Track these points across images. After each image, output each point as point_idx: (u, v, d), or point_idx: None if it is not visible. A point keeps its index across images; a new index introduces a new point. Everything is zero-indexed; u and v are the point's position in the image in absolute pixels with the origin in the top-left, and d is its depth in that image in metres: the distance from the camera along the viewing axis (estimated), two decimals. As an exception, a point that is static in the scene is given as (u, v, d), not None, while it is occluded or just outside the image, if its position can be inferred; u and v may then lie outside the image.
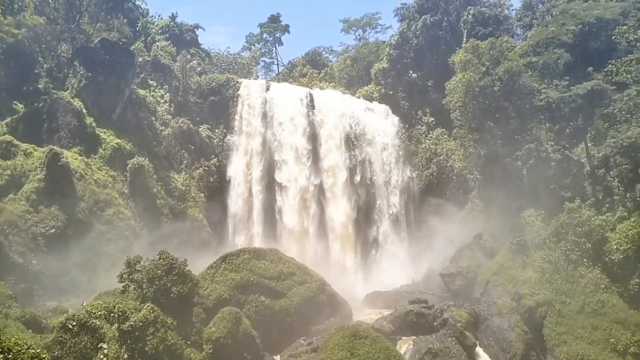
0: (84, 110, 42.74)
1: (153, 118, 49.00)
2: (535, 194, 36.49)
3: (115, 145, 42.73)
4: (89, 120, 42.58)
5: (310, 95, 53.04)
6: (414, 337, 29.33)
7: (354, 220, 48.68)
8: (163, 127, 48.95)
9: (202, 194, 47.61)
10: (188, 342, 25.87)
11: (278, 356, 27.73)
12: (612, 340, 26.36)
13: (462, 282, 36.24)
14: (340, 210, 48.41)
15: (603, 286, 29.09)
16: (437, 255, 41.61)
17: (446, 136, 51.04)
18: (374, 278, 45.67)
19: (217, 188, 49.46)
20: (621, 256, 29.30)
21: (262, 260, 32.33)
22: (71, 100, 42.64)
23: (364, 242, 49.03)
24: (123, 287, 26.48)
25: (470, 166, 44.18)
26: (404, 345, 28.67)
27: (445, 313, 30.93)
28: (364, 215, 49.72)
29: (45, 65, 45.65)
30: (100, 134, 42.90)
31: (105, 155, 41.92)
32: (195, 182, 47.67)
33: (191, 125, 49.83)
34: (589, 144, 37.10)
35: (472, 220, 41.84)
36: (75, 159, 39.25)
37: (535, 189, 36.62)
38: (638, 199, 31.29)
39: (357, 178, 50.09)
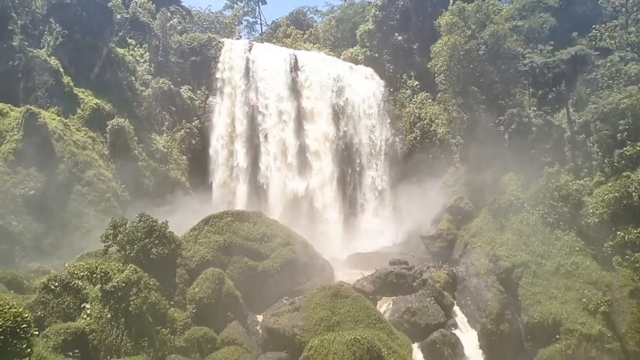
0: (61, 69, 41.55)
1: (133, 78, 47.88)
2: (516, 158, 36.91)
3: (94, 105, 41.81)
4: (66, 79, 41.45)
5: (295, 56, 52.20)
6: (394, 297, 30.09)
7: (337, 183, 48.91)
8: (143, 88, 47.94)
9: (184, 156, 47.26)
10: (171, 303, 26.16)
11: (261, 315, 28.24)
12: (584, 300, 27.32)
13: (442, 244, 36.97)
14: (324, 172, 48.59)
15: (578, 249, 29.96)
16: (419, 218, 42.20)
17: (430, 100, 50.91)
18: (356, 240, 46.30)
19: (199, 150, 49.10)
20: (597, 220, 30.08)
21: (245, 222, 32.48)
22: (47, 58, 41.36)
23: (347, 205, 49.47)
24: (105, 247, 26.49)
25: (454, 131, 44.30)
26: (384, 305, 29.43)
27: (424, 274, 31.70)
28: (348, 178, 49.99)
29: (19, 22, 43.89)
30: (79, 94, 41.89)
31: (84, 116, 41.08)
32: (177, 144, 47.20)
33: (172, 86, 48.89)
34: (571, 110, 37.41)
35: (453, 184, 42.32)
36: (53, 119, 38.38)
37: (516, 154, 37.01)
38: (616, 164, 31.90)
39: (341, 141, 50.08)
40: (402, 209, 46.51)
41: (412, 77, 53.27)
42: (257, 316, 28.62)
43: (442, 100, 46.61)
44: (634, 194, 29.54)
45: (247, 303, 28.72)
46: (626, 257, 28.30)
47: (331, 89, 50.77)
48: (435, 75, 44.58)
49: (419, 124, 50.03)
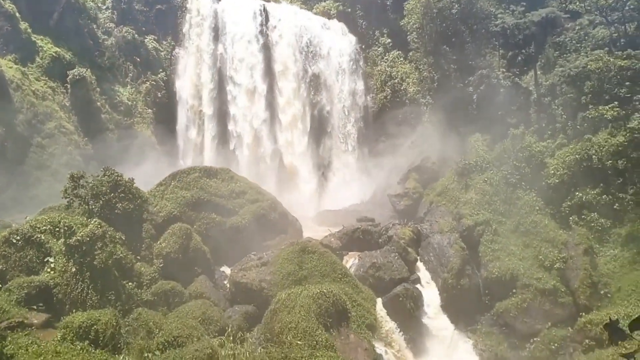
0: (17, 14, 39.20)
1: (94, 26, 45.68)
2: (483, 119, 37.48)
3: (54, 54, 39.90)
4: (23, 25, 39.23)
5: (265, 9, 50.62)
6: (360, 252, 30.75)
7: (307, 140, 48.75)
8: (106, 37, 45.88)
9: (149, 110, 45.99)
10: (138, 257, 26.05)
11: (229, 270, 28.50)
12: (540, 257, 28.57)
13: (408, 202, 37.70)
14: (294, 129, 48.28)
15: (537, 208, 31.06)
16: (387, 176, 42.78)
17: (402, 59, 50.59)
18: (325, 197, 46.77)
19: (165, 104, 47.81)
20: (557, 180, 31.13)
21: (213, 178, 32.22)
22: (2, 2, 38.86)
23: (316, 163, 49.55)
24: (67, 202, 25.91)
25: (424, 90, 44.46)
26: (350, 260, 30.08)
27: (390, 231, 32.39)
28: (318, 136, 49.85)
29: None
30: (37, 41, 39.83)
31: (43, 65, 39.23)
32: (142, 97, 45.80)
33: (136, 35, 46.93)
34: (538, 72, 37.92)
35: (421, 144, 42.81)
36: (10, 67, 36.53)
37: (484, 115, 37.56)
38: (578, 127, 32.79)
39: (312, 98, 49.57)
40: (371, 168, 47.00)
41: (385, 35, 52.64)
42: (225, 271, 28.88)
43: (413, 59, 46.44)
44: (593, 156, 30.60)
45: (215, 258, 28.89)
46: (582, 216, 29.58)
47: (303, 44, 49.75)
48: (408, 33, 44.22)
49: (390, 83, 49.88)
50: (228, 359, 18.45)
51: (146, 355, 19.65)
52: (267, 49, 48.76)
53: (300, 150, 48.32)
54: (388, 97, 49.79)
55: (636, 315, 3.10)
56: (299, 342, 19.26)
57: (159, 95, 47.23)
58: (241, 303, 26.10)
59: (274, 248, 29.86)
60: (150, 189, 30.14)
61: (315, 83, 49.86)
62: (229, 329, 21.63)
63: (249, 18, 49.15)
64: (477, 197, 32.56)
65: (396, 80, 49.49)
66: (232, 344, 19.65)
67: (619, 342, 3.06)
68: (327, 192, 47.97)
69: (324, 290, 22.68)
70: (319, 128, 49.86)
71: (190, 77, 48.35)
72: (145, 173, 33.87)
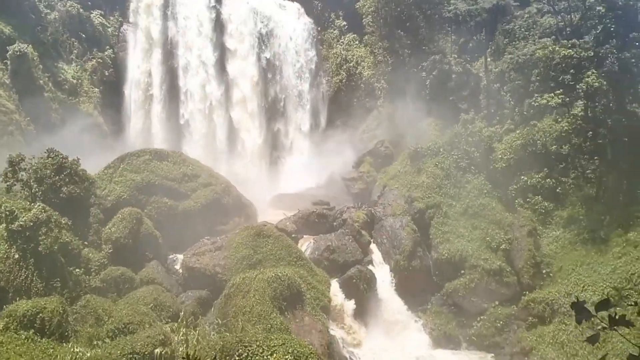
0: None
1: (36, -1, 43.07)
2: (435, 104, 38.21)
3: (-9, 28, 37.38)
4: (-45, -4, 36.46)
5: (218, -15, 49.13)
6: (315, 236, 30.95)
7: (261, 122, 48.15)
8: (48, 11, 43.33)
9: (96, 89, 43.99)
10: (85, 243, 25.20)
11: (181, 255, 28.03)
12: (487, 238, 29.65)
13: (362, 185, 38.16)
14: (248, 112, 47.51)
15: (485, 191, 32.15)
16: (342, 160, 43.01)
17: (357, 42, 50.59)
18: (280, 181, 46.52)
19: (113, 83, 45.86)
20: (504, 165, 32.28)
21: (164, 161, 31.44)
22: None
23: (271, 145, 49.12)
24: (7, 186, 24.58)
25: (378, 74, 44.75)
26: (305, 243, 30.24)
27: (344, 214, 32.75)
28: (272, 118, 49.31)
29: None
30: (-29, 14, 37.14)
31: (-21, 39, 36.69)
32: (88, 75, 43.72)
33: (81, 10, 44.57)
34: (489, 59, 38.91)
35: (375, 128, 43.26)
36: (-59, 40, 33.96)
37: (436, 100, 38.29)
38: (525, 113, 33.99)
39: (266, 80, 48.86)
40: (326, 151, 47.04)
41: (340, 17, 52.41)
42: (178, 256, 28.39)
43: (368, 42, 46.57)
44: (538, 142, 31.89)
45: (167, 243, 28.32)
46: (527, 199, 30.89)
47: (257, 24, 48.77)
48: (363, 16, 44.21)
49: (345, 66, 49.84)
50: (181, 345, 18.25)
51: (95, 342, 19.18)
52: (219, 28, 47.46)
53: (254, 132, 47.69)
54: (343, 80, 49.79)
55: (603, 298, 3.21)
56: (253, 325, 19.27)
57: (106, 74, 45.26)
58: (194, 288, 25.80)
59: (228, 232, 29.60)
60: (97, 172, 29.08)
61: (269, 64, 49.12)
62: (182, 315, 21.40)
63: (202, -5, 47.63)
64: (428, 181, 33.31)
65: (351, 64, 49.52)
66: (186, 329, 19.45)
67: (583, 321, 3.17)
68: (281, 175, 47.72)
69: (279, 274, 22.76)
70: (273, 110, 49.28)
71: (139, 55, 46.51)
72: (92, 155, 32.54)
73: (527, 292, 26.88)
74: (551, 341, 23.48)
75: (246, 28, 48.01)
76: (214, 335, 19.48)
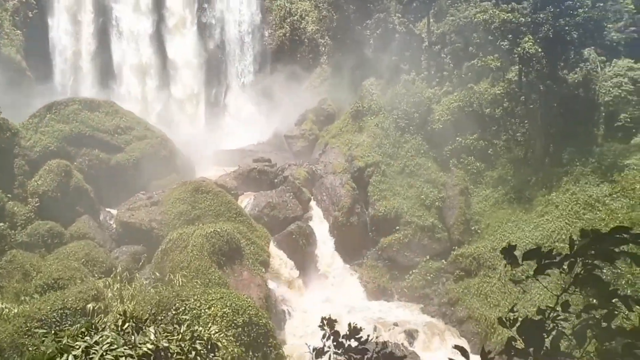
0: None
1: None
2: (378, 63, 38.27)
3: None
4: None
5: None
6: (255, 192, 30.83)
7: (200, 75, 46.46)
8: (-42, -61, 38.86)
9: (19, 31, 40.45)
10: (9, 195, 23.74)
11: (115, 210, 27.11)
12: (422, 196, 30.75)
13: (304, 143, 38.13)
14: (186, 67, 45.57)
15: (422, 151, 33.08)
16: (283, 117, 42.57)
17: (302, -5, 49.30)
18: (220, 137, 45.51)
19: (38, 26, 42.26)
20: (441, 126, 33.20)
21: (95, 112, 29.81)
22: None
23: (211, 102, 47.68)
24: None
25: (322, 30, 44.06)
26: (245, 200, 30.09)
27: (285, 171, 32.73)
28: (213, 73, 47.67)
29: None
30: None
31: None
32: (10, 16, 40.00)
33: (-1, -59, 40.31)
34: (431, 20, 39.18)
35: (318, 85, 42.96)
36: None
37: (379, 59, 38.34)
38: (463, 75, 34.83)
39: (207, 33, 46.84)
40: (268, 107, 46.33)
41: (285, -32, 50.63)
42: (111, 211, 27.44)
43: (313, -4, 45.51)
44: (474, 104, 32.95)
45: (100, 198, 27.25)
46: (461, 160, 32.12)
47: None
48: (309, -32, 42.90)
49: (289, 20, 48.58)
50: (115, 300, 17.88)
51: (23, 298, 18.41)
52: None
53: (193, 87, 46.01)
54: (287, 34, 48.61)
55: (532, 247, 3.27)
56: (191, 280, 19.16)
57: (30, 15, 41.62)
58: (129, 244, 25.17)
59: (165, 187, 28.85)
60: (22, 122, 27.13)
61: (209, 16, 47.02)
62: (116, 270, 20.87)
63: None
64: (368, 140, 33.76)
65: (295, 18, 48.33)
66: (120, 285, 19.03)
67: (512, 267, 3.27)
68: (221, 131, 46.67)
69: (218, 229, 22.59)
70: (213, 64, 47.62)
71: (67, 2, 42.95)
72: (16, 103, 30.24)
73: (457, 248, 28.38)
74: (476, 292, 25.09)
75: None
76: (150, 290, 19.19)
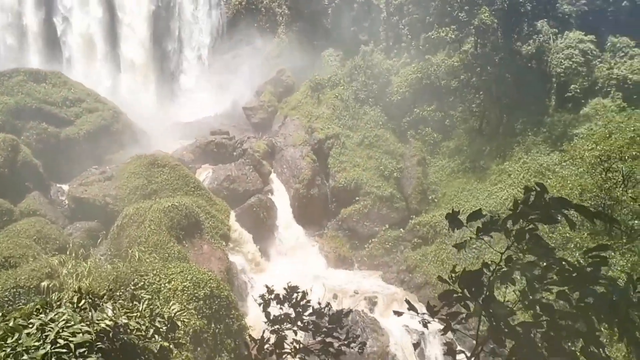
0: None
1: None
2: (337, 34, 37.97)
3: None
4: None
5: None
6: (214, 165, 30.37)
7: (152, 43, 44.65)
8: None
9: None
10: (-51, 172, 22.47)
11: (67, 185, 26.14)
12: (381, 167, 31.14)
13: (263, 115, 37.65)
14: (136, 29, 43.64)
15: (381, 123, 33.34)
16: (241, 89, 41.74)
17: (258, -37, 47.80)
18: (176, 109, 44.26)
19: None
20: (399, 98, 33.48)
21: (42, 83, 28.39)
22: None
23: (165, 73, 46.10)
24: None
25: (280, -1, 43.11)
26: (204, 173, 29.62)
27: (244, 144, 32.32)
28: (167, 43, 45.97)
29: None
30: None
31: None
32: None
33: None
34: (389, -10, 38.99)
35: (277, 56, 42.22)
36: None
37: (338, 30, 38.02)
38: (421, 47, 35.05)
39: (161, 2, 44.87)
40: (225, 79, 45.20)
41: None
42: (63, 186, 26.44)
43: (270, -37, 44.23)
44: (432, 75, 33.30)
45: (50, 173, 26.16)
46: (418, 131, 32.61)
47: None
48: None
49: (244, -12, 47.17)
50: (70, 277, 17.39)
51: (-30, 279, 17.61)
52: None
53: (144, 54, 44.22)
54: (243, 3, 47.23)
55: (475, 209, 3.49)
56: (149, 255, 18.84)
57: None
58: (83, 220, 24.40)
59: (119, 162, 27.95)
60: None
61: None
62: (70, 247, 20.26)
63: None
64: (328, 112, 33.70)
65: (251, -14, 46.97)
66: (75, 261, 18.49)
67: (455, 230, 3.46)
68: (177, 103, 45.37)
69: (176, 203, 22.20)
70: (166, 33, 45.87)
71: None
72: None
73: (414, 216, 29.05)
74: (433, 259, 25.87)
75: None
76: (107, 266, 18.76)
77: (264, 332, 5.22)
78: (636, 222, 17.66)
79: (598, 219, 3.09)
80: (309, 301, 5.20)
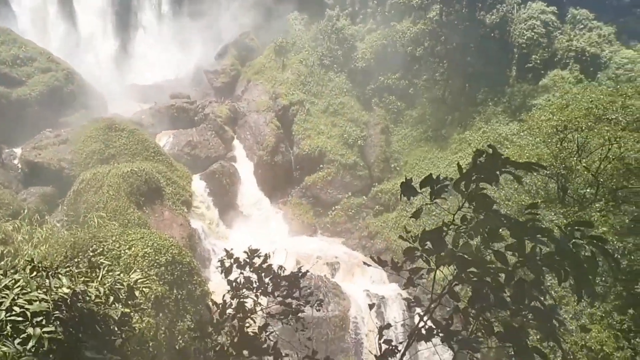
0: None
1: None
2: (302, -3, 37.12)
3: None
4: None
5: None
6: (174, 130, 29.65)
7: (110, 4, 42.52)
8: None
9: None
10: None
11: (19, 148, 25.01)
12: (345, 135, 31.16)
13: (226, 79, 36.77)
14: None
15: (346, 90, 33.18)
16: (203, 51, 40.54)
17: None
18: (134, 71, 42.62)
19: None
20: (364, 65, 33.29)
21: (-12, 39, 26.61)
22: None
23: (122, 30, 44.08)
24: None
25: (243, -42, 41.55)
26: (164, 138, 28.91)
27: (206, 109, 31.61)
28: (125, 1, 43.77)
29: None
30: None
31: None
32: None
33: None
34: (356, -46, 38.18)
35: (240, 17, 40.95)
36: None
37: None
38: (387, 13, 34.73)
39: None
40: (186, 40, 43.69)
41: None
42: (15, 150, 25.28)
43: None
44: (397, 43, 33.16)
45: (0, 135, 24.91)
46: (383, 99, 32.66)
47: None
48: None
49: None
50: (25, 244, 16.82)
51: None
52: None
53: (99, 14, 41.99)
54: (205, -39, 45.33)
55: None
56: (108, 221, 18.40)
57: None
58: (37, 184, 23.49)
59: (74, 125, 26.92)
60: None
61: None
62: (25, 212, 19.53)
63: None
64: (293, 77, 33.23)
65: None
66: (30, 227, 17.87)
67: (408, 199, 3.62)
68: (135, 64, 43.64)
69: (135, 169, 21.63)
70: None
71: None
72: None
73: (377, 184, 29.41)
74: (394, 226, 26.38)
75: None
76: (63, 232, 18.23)
77: (224, 296, 5.22)
78: (588, 190, 18.43)
79: (532, 169, 3.36)
80: (270, 265, 5.21)
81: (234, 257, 5.28)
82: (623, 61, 28.28)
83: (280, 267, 5.40)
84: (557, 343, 3.11)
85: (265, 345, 4.96)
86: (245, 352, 4.90)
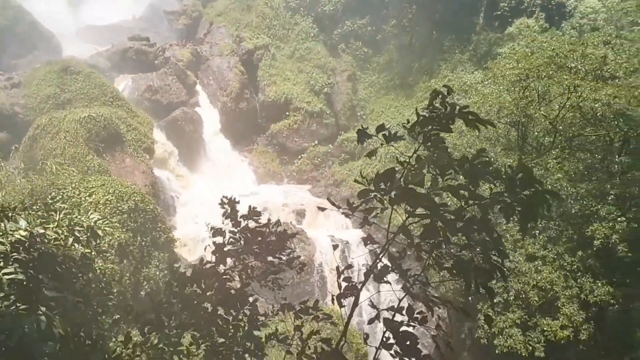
0: None
1: None
2: None
3: None
4: None
5: None
6: (133, 74, 28.55)
7: None
8: None
9: None
10: None
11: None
12: (311, 82, 30.67)
13: (187, 21, 35.25)
14: None
15: (312, 35, 32.40)
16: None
17: None
18: (88, 10, 40.37)
19: None
20: (331, 8, 32.47)
21: None
22: None
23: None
24: None
25: None
26: (123, 83, 27.86)
27: (167, 52, 30.43)
28: None
29: None
30: None
31: None
32: None
33: None
34: None
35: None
36: None
37: None
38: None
39: None
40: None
41: None
42: (-38, 94, 23.90)
43: None
44: (364, -14, 32.29)
45: (-56, 77, 23.46)
46: (350, 45, 32.12)
47: None
48: None
49: None
50: (-21, 192, 16.23)
51: None
52: None
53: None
54: None
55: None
56: (67, 168, 17.88)
57: None
58: (-10, 131, 22.46)
59: (27, 67, 25.59)
60: None
61: None
62: (-24, 159, 18.73)
63: None
64: (257, 20, 32.15)
65: None
66: (-17, 175, 17.20)
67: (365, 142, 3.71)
68: (91, 3, 41.31)
69: (93, 114, 20.90)
70: None
71: None
72: None
73: (343, 132, 29.39)
74: (359, 174, 26.66)
75: None
76: (20, 179, 17.64)
77: (205, 248, 5.25)
78: (546, 138, 18.97)
79: (483, 125, 3.53)
80: (262, 226, 5.21)
81: (231, 201, 5.27)
82: (587, 10, 28.41)
83: (269, 221, 5.40)
84: (502, 274, 3.28)
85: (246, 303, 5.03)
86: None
